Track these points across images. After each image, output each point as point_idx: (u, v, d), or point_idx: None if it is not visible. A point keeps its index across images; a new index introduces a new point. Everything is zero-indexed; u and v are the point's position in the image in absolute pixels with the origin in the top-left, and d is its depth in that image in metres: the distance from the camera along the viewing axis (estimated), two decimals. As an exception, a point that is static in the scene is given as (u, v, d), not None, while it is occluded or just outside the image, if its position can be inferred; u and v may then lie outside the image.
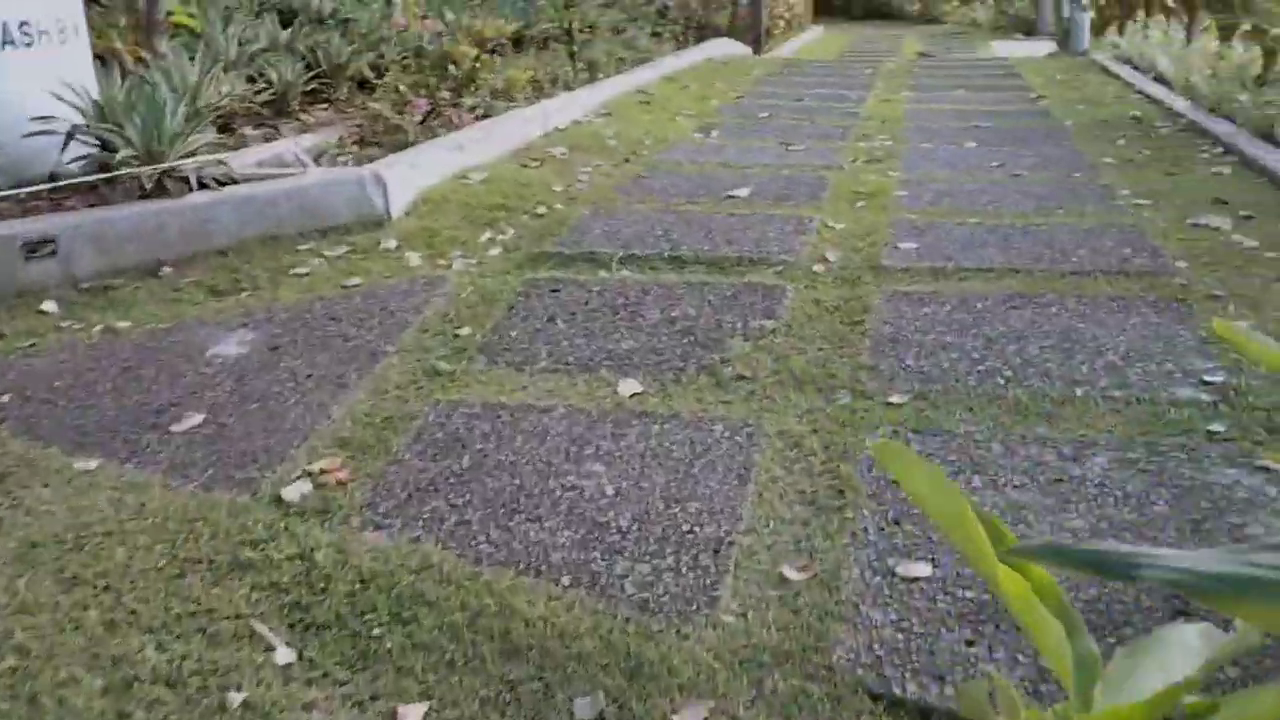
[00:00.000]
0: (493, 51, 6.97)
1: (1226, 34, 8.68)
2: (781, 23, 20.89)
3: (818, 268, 4.04)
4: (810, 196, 5.14)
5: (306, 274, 4.07)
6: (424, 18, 6.59)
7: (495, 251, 4.37)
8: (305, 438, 2.78)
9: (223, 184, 4.43)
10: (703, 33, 14.03)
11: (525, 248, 4.38)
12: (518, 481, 2.55)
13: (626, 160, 6.10)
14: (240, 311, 3.69)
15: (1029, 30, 24.97)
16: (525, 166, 5.84)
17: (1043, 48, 20.23)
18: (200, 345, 3.42)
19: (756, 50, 15.22)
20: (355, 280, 4.00)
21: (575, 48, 8.89)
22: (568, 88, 8.10)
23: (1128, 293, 3.67)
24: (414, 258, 4.27)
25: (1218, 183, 5.28)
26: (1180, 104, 7.80)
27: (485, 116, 6.69)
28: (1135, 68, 10.64)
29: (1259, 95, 6.72)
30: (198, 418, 2.91)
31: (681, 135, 7.00)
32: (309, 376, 3.19)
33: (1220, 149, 6.18)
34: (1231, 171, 5.52)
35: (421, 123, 5.91)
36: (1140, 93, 8.82)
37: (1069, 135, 6.90)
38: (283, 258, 4.24)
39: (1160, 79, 9.46)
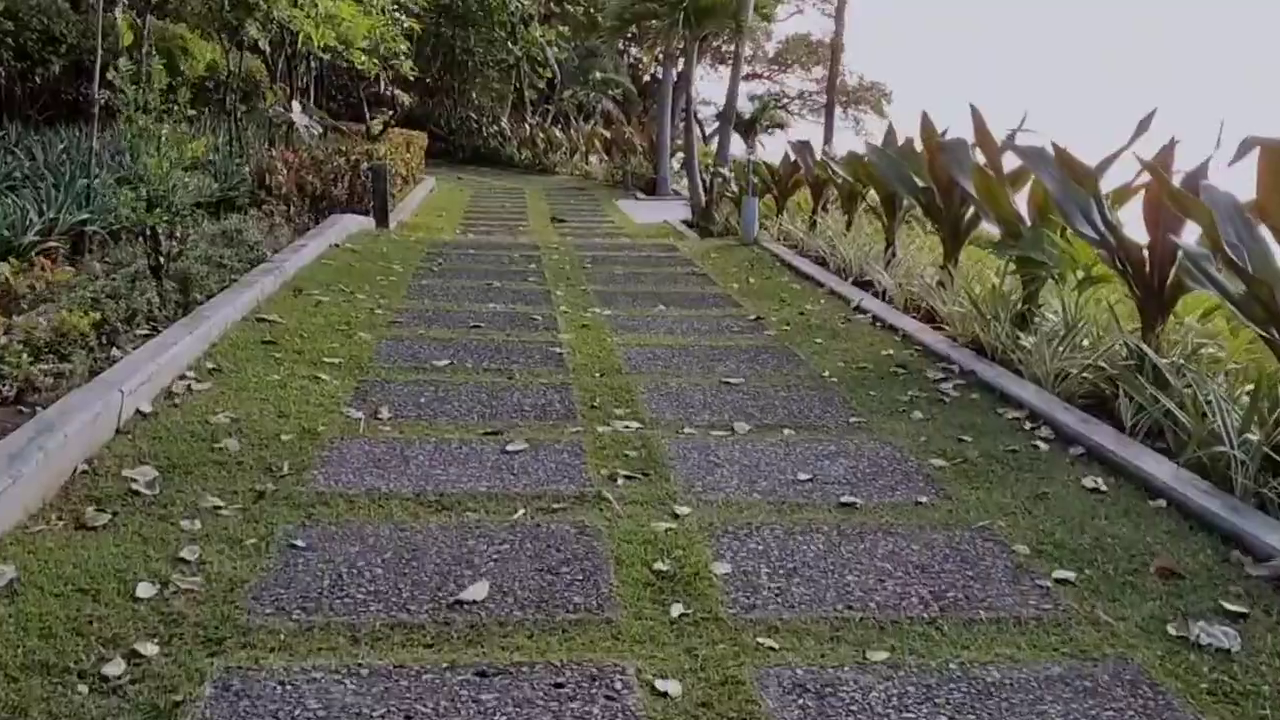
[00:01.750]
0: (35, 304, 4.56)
1: (950, 251, 7.90)
2: (399, 180, 19.20)
3: None
4: (589, 595, 3.25)
5: None
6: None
7: None
8: None
9: None
10: (318, 206, 11.94)
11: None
12: None
13: (259, 494, 3.93)
14: None
15: (649, 189, 24.83)
16: (85, 528, 3.54)
17: (676, 211, 19.86)
18: None
19: (382, 222, 13.32)
20: None
21: (163, 259, 6.54)
22: (154, 327, 5.76)
23: None
24: None
25: (1118, 515, 3.98)
26: (931, 338, 6.77)
27: (19, 403, 4.32)
28: (824, 265, 9.82)
29: (1047, 345, 5.69)
30: None
31: (336, 416, 4.90)
32: None
33: (1048, 430, 4.99)
34: (1109, 490, 4.26)
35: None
36: (865, 312, 7.79)
37: (845, 400, 5.53)
38: None
39: (863, 284, 8.61)
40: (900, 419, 5.21)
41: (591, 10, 34.24)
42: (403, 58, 22.06)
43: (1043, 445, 4.81)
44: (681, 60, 20.74)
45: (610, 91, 37.64)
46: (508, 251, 11.06)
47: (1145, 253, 5.25)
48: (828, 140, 16.04)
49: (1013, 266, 6.64)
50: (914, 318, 7.57)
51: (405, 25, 21.93)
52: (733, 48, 32.36)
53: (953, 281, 7.80)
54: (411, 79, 24.10)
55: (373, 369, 5.82)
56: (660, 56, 25.30)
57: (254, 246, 8.41)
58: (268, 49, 17.32)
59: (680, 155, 24.57)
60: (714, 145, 25.88)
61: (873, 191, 10.08)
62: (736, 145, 32.91)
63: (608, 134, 30.46)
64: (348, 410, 5.02)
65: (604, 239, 13.89)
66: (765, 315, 7.78)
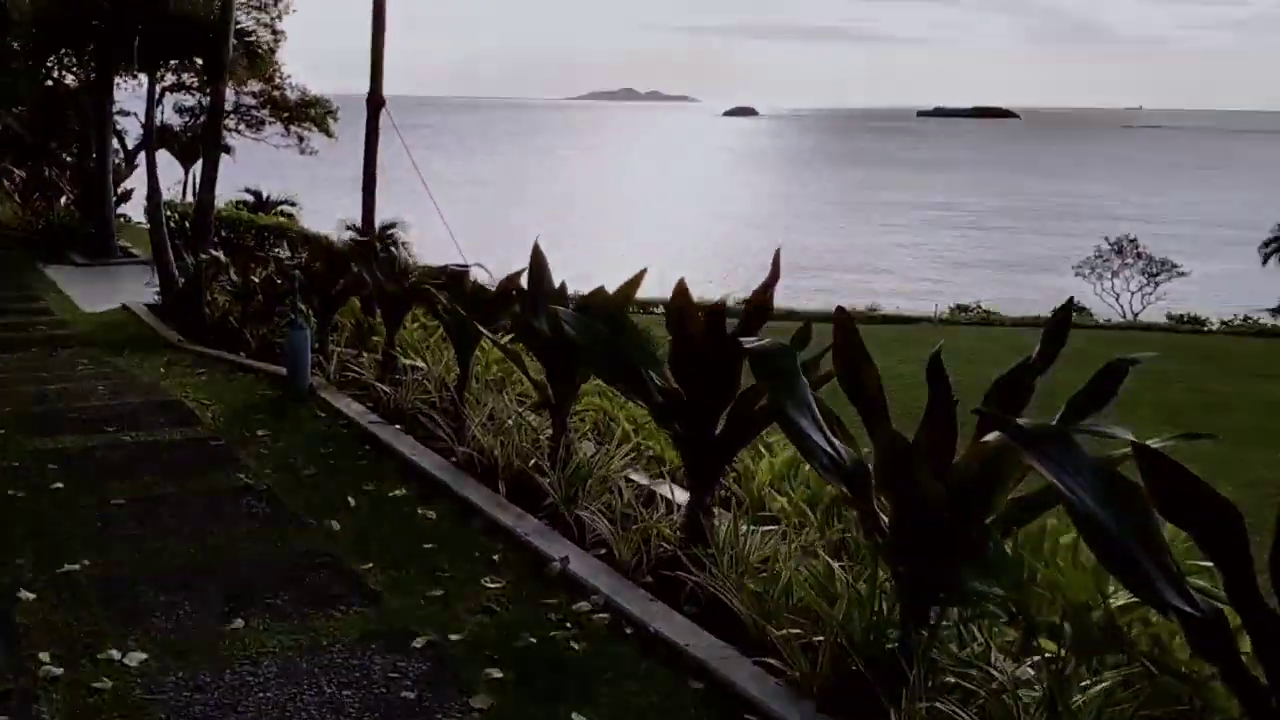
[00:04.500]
0: None
1: (705, 483, 5.13)
2: None
3: None
4: None
5: None
6: None
7: None
8: None
9: None
10: None
11: None
12: None
13: None
14: None
15: (90, 250, 19.34)
16: None
17: (132, 287, 15.18)
18: None
19: None
20: None
21: None
22: None
23: None
24: None
25: None
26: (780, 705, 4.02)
27: None
28: (444, 450, 6.76)
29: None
30: None
31: None
32: None
33: None
34: None
35: None
36: (601, 611, 4.85)
37: None
38: None
39: (524, 492, 5.68)
40: None
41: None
42: None
43: None
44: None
45: (16, 109, 30.65)
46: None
47: None
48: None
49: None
50: (661, 598, 4.80)
51: None
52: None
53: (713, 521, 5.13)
54: None
55: None
56: (92, 80, 20.12)
57: None
58: None
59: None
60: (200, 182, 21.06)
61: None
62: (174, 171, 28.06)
63: (21, 172, 24.21)
64: None
65: (51, 370, 9.57)
66: (444, 636, 4.55)
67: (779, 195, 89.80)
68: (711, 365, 4.93)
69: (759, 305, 5.15)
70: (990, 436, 3.51)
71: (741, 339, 4.39)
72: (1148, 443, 3.41)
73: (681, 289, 5.02)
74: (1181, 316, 31.59)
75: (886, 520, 4.05)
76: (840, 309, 3.96)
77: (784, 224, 70.57)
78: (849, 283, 42.70)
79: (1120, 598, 3.60)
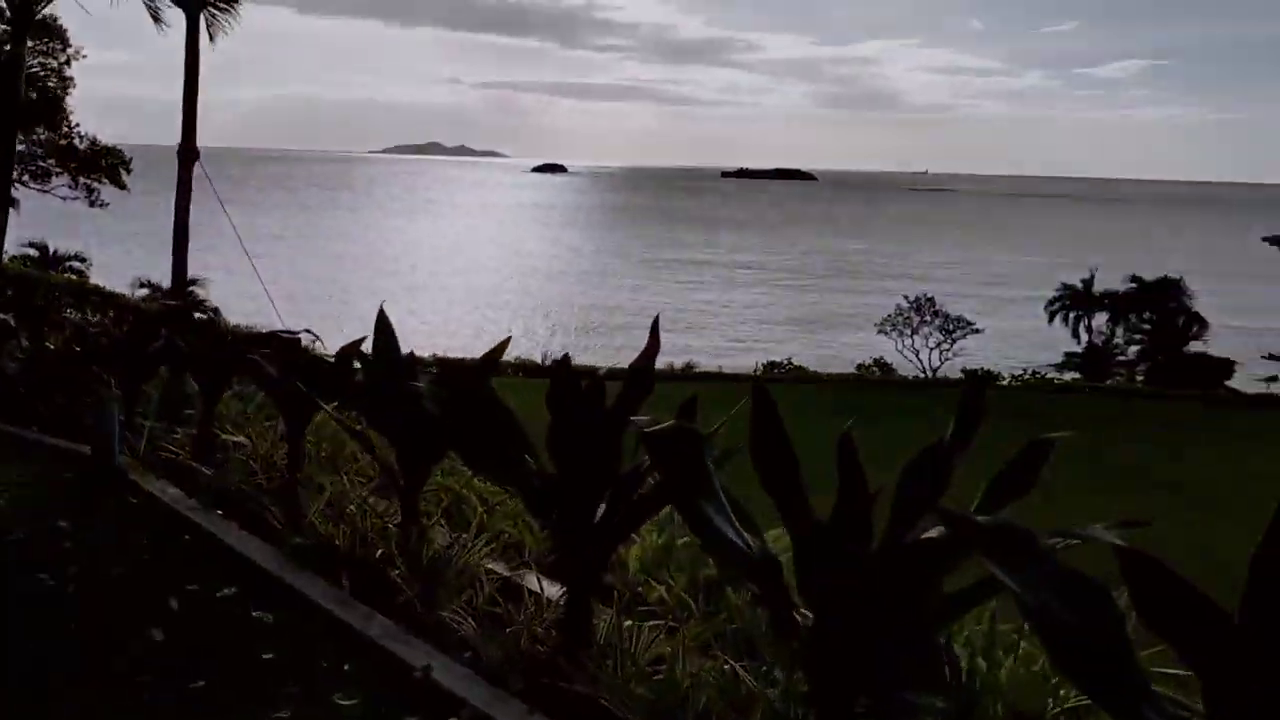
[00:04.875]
0: None
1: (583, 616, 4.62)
2: None
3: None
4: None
5: None
6: None
7: None
8: None
9: None
10: None
11: None
12: None
13: None
14: None
15: None
16: None
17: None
18: None
19: None
20: None
21: None
22: None
23: None
24: None
25: None
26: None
27: None
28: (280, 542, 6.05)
29: None
30: None
31: None
32: None
33: None
34: None
35: None
36: None
37: None
38: None
39: (372, 589, 5.07)
40: None
41: None
42: None
43: None
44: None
45: None
46: None
47: None
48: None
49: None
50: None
51: None
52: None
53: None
54: None
55: None
56: None
57: None
58: None
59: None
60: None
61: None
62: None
63: None
64: None
65: None
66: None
67: (588, 252, 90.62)
68: (593, 445, 4.49)
69: (639, 377, 4.76)
70: (934, 531, 3.18)
71: (633, 419, 3.97)
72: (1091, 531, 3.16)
73: (565, 361, 4.58)
74: (975, 372, 32.89)
75: (801, 620, 3.69)
76: (759, 386, 3.57)
77: (594, 281, 71.09)
78: (663, 340, 42.93)
79: (1071, 701, 3.33)
